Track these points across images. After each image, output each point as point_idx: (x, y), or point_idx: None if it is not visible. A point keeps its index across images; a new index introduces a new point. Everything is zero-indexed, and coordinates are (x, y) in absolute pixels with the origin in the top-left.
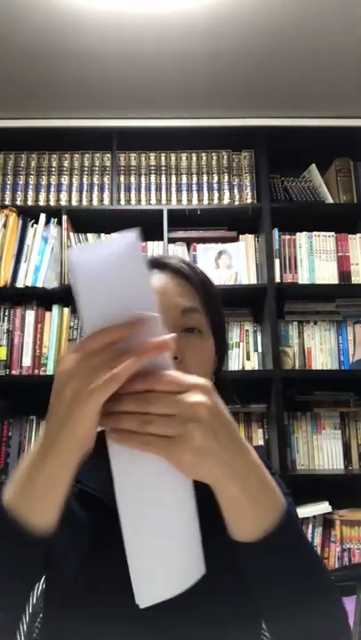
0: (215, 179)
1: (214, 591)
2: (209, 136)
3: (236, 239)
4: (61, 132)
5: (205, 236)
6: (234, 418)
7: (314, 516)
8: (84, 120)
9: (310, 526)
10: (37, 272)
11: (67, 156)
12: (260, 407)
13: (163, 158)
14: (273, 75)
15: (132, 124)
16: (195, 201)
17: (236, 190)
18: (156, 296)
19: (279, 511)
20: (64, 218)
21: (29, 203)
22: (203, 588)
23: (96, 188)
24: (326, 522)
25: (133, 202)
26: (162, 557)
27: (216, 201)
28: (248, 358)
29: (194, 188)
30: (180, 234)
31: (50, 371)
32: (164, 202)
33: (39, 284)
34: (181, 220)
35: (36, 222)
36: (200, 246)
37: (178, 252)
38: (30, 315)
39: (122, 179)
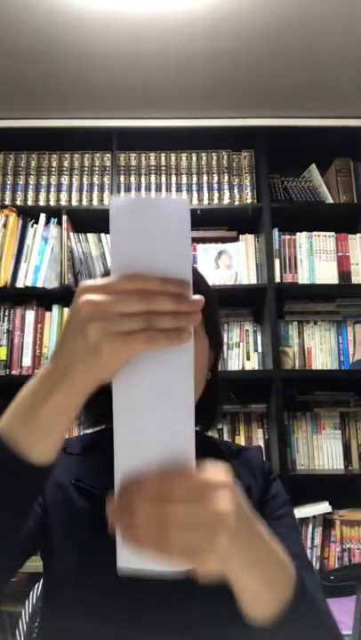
0: (215, 179)
1: (215, 589)
2: (209, 136)
3: (236, 239)
4: (61, 132)
5: (205, 236)
6: (234, 418)
7: (314, 516)
8: (84, 120)
9: (310, 526)
10: (37, 272)
11: (67, 155)
12: (260, 407)
13: (163, 158)
14: (273, 75)
15: (132, 124)
16: (195, 201)
17: (236, 190)
18: None
19: (292, 586)
20: (64, 218)
21: (29, 203)
22: (203, 587)
23: (96, 188)
24: (326, 522)
25: None
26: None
27: (216, 201)
28: (248, 358)
29: (194, 187)
30: None
31: None
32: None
33: (39, 284)
34: None
35: (36, 222)
36: (200, 246)
37: None
38: (30, 315)
39: (122, 179)
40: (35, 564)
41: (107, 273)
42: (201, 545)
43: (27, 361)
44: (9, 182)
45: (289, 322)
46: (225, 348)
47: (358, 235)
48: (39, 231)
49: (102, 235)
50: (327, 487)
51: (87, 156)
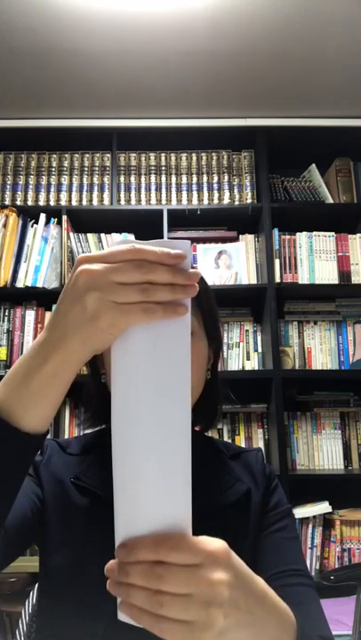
0: (215, 179)
1: None
2: (209, 136)
3: (236, 239)
4: (61, 132)
5: (205, 236)
6: (234, 418)
7: (314, 516)
8: (84, 120)
9: (310, 526)
10: (37, 272)
11: (67, 155)
12: (260, 407)
13: (163, 158)
14: (273, 75)
15: (132, 124)
16: (195, 201)
17: (236, 190)
18: None
19: (292, 635)
20: (64, 218)
21: (29, 203)
22: None
23: (96, 187)
24: (326, 522)
25: (133, 202)
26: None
27: (216, 201)
28: (248, 358)
29: (194, 187)
30: (180, 234)
31: None
32: (164, 202)
33: (39, 284)
34: (181, 219)
35: (36, 222)
36: (200, 246)
37: None
38: (30, 315)
39: (122, 179)
40: (35, 564)
41: None
42: (196, 621)
43: None
44: (9, 182)
45: (289, 322)
46: (225, 347)
47: (358, 235)
48: (39, 231)
49: (102, 235)
50: (327, 487)
51: (87, 156)
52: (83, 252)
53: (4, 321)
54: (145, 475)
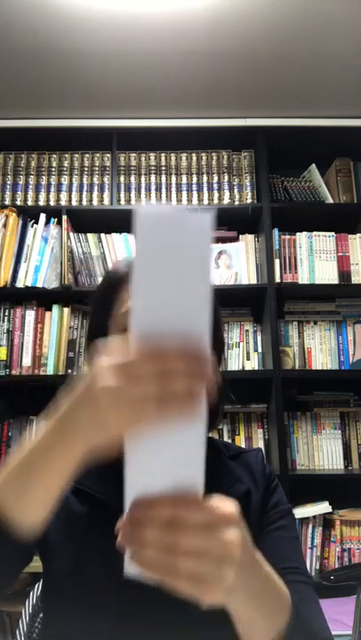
0: (215, 179)
1: None
2: (209, 136)
3: (236, 239)
4: (61, 132)
5: None
6: (234, 418)
7: (314, 516)
8: (84, 120)
9: (310, 526)
10: (37, 272)
11: (67, 155)
12: (260, 407)
13: (163, 158)
14: (273, 75)
15: (132, 124)
16: (195, 201)
17: (236, 190)
18: None
19: (287, 614)
20: (64, 218)
21: (29, 203)
22: None
23: (96, 187)
24: (326, 522)
25: (133, 202)
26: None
27: (216, 201)
28: (248, 358)
29: (194, 187)
30: None
31: (50, 371)
32: (164, 202)
33: (39, 284)
34: None
35: (36, 222)
36: None
37: None
38: (30, 315)
39: (122, 179)
40: (35, 564)
41: (107, 273)
42: (208, 576)
43: (27, 361)
44: (9, 182)
45: (289, 322)
46: (225, 348)
47: (358, 235)
48: (39, 231)
49: (102, 235)
50: (327, 487)
51: (87, 156)
52: (83, 251)
53: (3, 321)
54: (161, 439)
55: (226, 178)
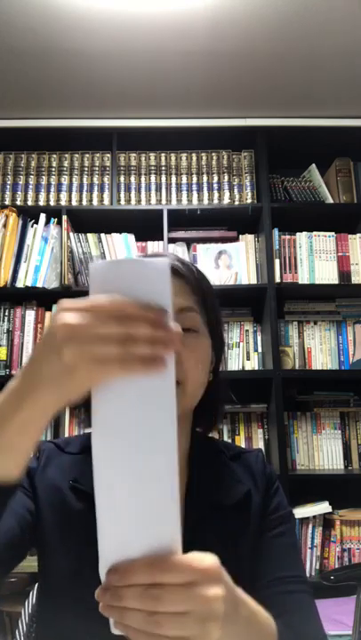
0: (215, 179)
1: None
2: (209, 136)
3: (236, 239)
4: (61, 132)
5: (205, 235)
6: (234, 418)
7: (314, 516)
8: (84, 120)
9: (310, 526)
10: (37, 272)
11: (67, 155)
12: (260, 407)
13: (163, 158)
14: (273, 75)
15: (132, 124)
16: (195, 201)
17: (236, 190)
18: None
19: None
20: (64, 218)
21: (29, 203)
22: None
23: (96, 187)
24: (326, 522)
25: (133, 202)
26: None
27: (216, 201)
28: (248, 358)
29: (194, 187)
30: (180, 234)
31: None
32: (164, 202)
33: (39, 284)
34: (181, 220)
35: (36, 222)
36: (200, 246)
37: (178, 252)
38: (30, 315)
39: (122, 179)
40: (35, 564)
41: None
42: (193, 636)
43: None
44: (9, 182)
45: (289, 322)
46: (225, 348)
47: (358, 235)
48: (39, 231)
49: (102, 235)
50: (327, 487)
51: (87, 156)
52: (83, 251)
53: (3, 321)
54: (131, 500)
55: (226, 178)
